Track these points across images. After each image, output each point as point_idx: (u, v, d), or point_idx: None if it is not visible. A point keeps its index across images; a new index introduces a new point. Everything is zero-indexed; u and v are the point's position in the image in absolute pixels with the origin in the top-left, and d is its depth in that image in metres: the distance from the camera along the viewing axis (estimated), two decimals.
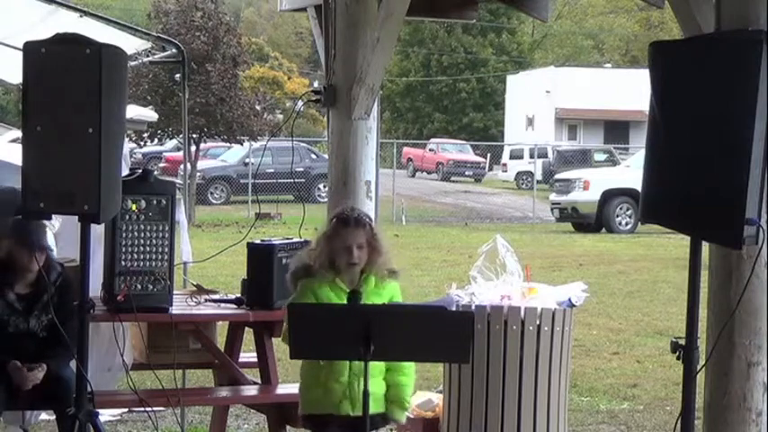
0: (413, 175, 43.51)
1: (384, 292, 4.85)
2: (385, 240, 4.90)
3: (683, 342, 4.08)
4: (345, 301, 4.64)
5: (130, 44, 7.70)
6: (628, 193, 24.12)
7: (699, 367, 4.12)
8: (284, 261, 6.21)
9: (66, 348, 5.64)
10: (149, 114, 17.31)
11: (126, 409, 7.51)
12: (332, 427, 4.81)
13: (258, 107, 30.80)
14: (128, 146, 13.78)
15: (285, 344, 4.60)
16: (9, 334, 5.88)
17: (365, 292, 4.75)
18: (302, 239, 6.40)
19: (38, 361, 5.82)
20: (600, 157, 38.62)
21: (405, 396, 4.91)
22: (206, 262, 7.93)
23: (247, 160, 31.14)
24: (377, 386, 4.78)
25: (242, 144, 29.69)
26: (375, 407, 4.73)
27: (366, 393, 4.26)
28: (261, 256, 6.23)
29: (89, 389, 4.73)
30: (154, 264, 5.96)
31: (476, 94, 57.61)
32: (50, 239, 7.20)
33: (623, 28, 61.89)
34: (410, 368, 4.91)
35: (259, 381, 6.56)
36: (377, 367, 4.74)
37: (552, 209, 27.64)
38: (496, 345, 5.73)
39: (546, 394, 5.77)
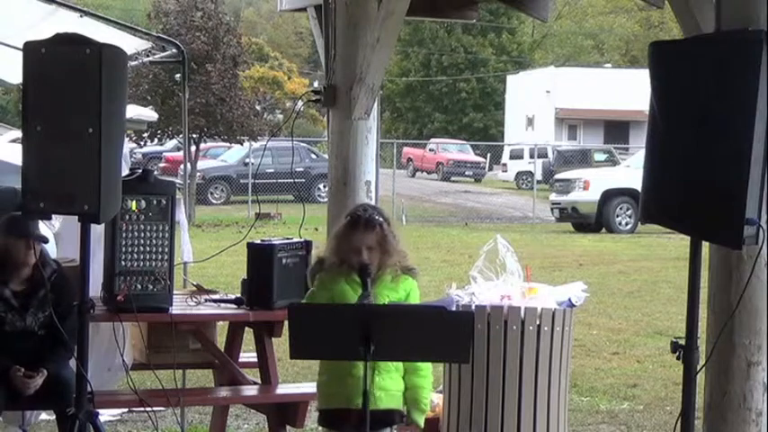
0: (413, 175, 43.51)
1: (399, 288, 4.82)
2: (398, 240, 4.86)
3: (683, 342, 4.08)
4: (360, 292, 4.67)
5: (130, 44, 7.69)
6: (628, 193, 24.11)
7: (699, 367, 4.12)
8: (284, 261, 6.22)
9: (65, 347, 5.64)
10: (149, 114, 17.34)
11: (126, 409, 7.51)
12: (345, 422, 4.77)
13: (258, 107, 30.82)
14: (128, 146, 13.79)
15: None
16: (6, 333, 5.86)
17: (380, 288, 4.75)
18: (302, 239, 6.40)
19: (37, 360, 5.81)
20: (600, 157, 38.61)
21: (421, 398, 4.86)
22: (206, 262, 7.93)
23: (247, 160, 31.14)
24: (391, 382, 4.76)
25: (242, 144, 29.71)
26: (389, 402, 4.74)
27: (366, 393, 4.26)
28: (261, 256, 6.23)
29: (89, 389, 4.74)
30: (154, 264, 5.96)
31: (476, 94, 57.63)
32: (50, 239, 7.20)
33: (623, 28, 61.89)
34: (426, 369, 4.86)
35: (259, 381, 6.56)
36: (392, 363, 4.72)
37: (552, 209, 27.63)
38: (496, 345, 5.73)
39: (546, 394, 5.76)
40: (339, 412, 4.79)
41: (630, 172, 23.67)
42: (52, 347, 5.83)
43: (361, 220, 4.80)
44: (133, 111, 15.09)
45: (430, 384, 4.93)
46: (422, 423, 4.93)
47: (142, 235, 5.94)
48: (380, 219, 4.84)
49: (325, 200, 7.26)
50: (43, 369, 5.78)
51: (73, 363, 5.28)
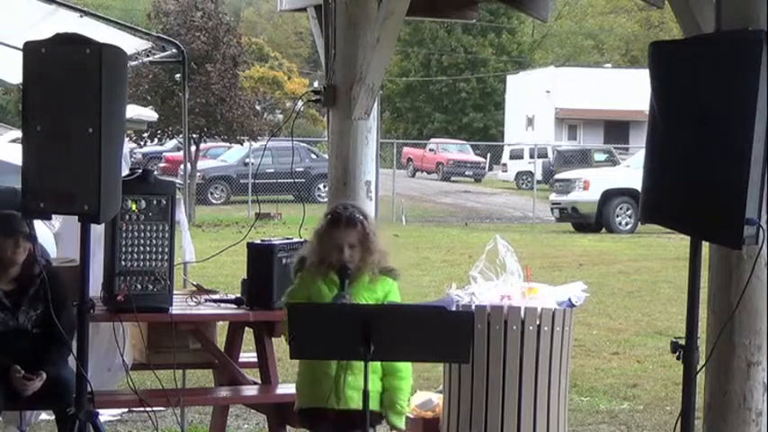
0: (413, 175, 43.52)
1: (377, 288, 4.81)
2: (379, 239, 4.85)
3: (683, 342, 4.08)
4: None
5: (130, 44, 7.70)
6: (628, 193, 24.11)
7: (699, 367, 4.12)
8: (284, 261, 6.21)
9: (62, 345, 5.63)
10: (149, 114, 17.33)
11: (126, 409, 7.51)
12: (322, 421, 4.80)
13: (258, 107, 30.79)
14: (128, 146, 13.78)
15: (286, 340, 4.58)
16: (0, 333, 5.86)
17: (358, 288, 4.75)
18: (302, 239, 6.40)
19: (35, 360, 5.80)
20: (600, 157, 38.63)
21: (399, 400, 4.81)
22: (206, 262, 7.93)
23: (247, 160, 31.15)
24: (370, 383, 4.75)
25: (242, 144, 29.72)
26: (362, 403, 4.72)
27: (366, 393, 4.26)
28: (261, 256, 6.23)
29: (89, 389, 4.73)
30: (154, 264, 5.95)
31: (476, 94, 57.63)
32: (50, 239, 7.20)
33: (623, 28, 61.88)
34: (406, 371, 4.84)
35: (259, 381, 6.56)
36: (371, 364, 4.70)
37: (552, 209, 27.64)
38: (496, 345, 5.73)
39: (546, 394, 5.77)
40: (316, 412, 4.82)
41: (630, 172, 23.67)
42: (50, 347, 5.82)
43: (342, 218, 4.79)
44: (133, 111, 15.08)
45: (409, 387, 4.88)
46: (401, 425, 4.87)
47: (142, 235, 5.94)
48: (361, 216, 4.84)
49: (325, 200, 7.26)
50: (42, 372, 5.77)
51: (73, 363, 5.28)
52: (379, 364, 4.75)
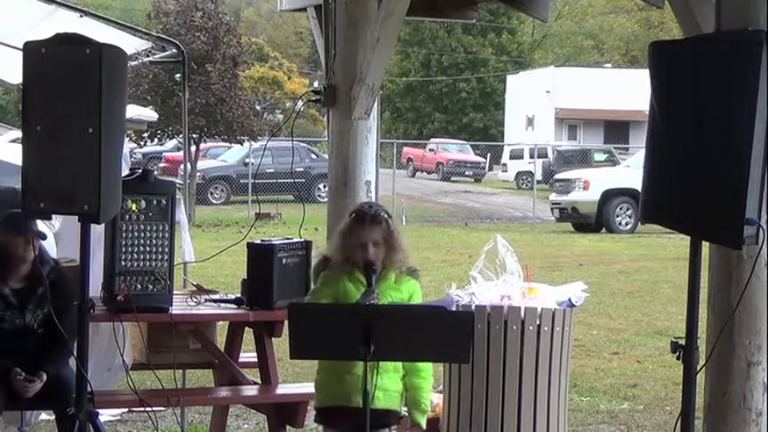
0: (413, 175, 43.51)
1: (403, 288, 4.84)
2: (403, 238, 4.89)
3: (683, 342, 4.08)
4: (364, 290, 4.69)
5: (130, 44, 7.70)
6: (628, 193, 24.12)
7: (699, 367, 4.12)
8: (284, 261, 6.22)
9: (64, 346, 5.63)
10: (149, 114, 17.31)
11: (126, 409, 7.51)
12: (343, 420, 4.79)
13: (258, 107, 30.77)
14: (128, 146, 13.77)
15: None
16: (5, 332, 5.86)
17: (384, 287, 4.77)
18: (302, 239, 6.41)
19: (36, 361, 5.81)
20: (600, 157, 38.62)
21: (422, 399, 4.88)
22: (206, 262, 7.93)
23: (247, 160, 31.15)
24: (389, 382, 4.78)
25: (242, 144, 29.72)
26: (386, 403, 4.76)
27: (366, 392, 4.26)
28: (261, 256, 6.23)
29: (89, 389, 4.73)
30: (154, 264, 5.96)
31: (476, 94, 57.61)
32: (50, 238, 7.19)
33: (623, 28, 61.88)
34: (427, 371, 4.89)
35: (259, 381, 6.56)
36: (392, 363, 4.74)
37: (552, 209, 27.64)
38: (496, 345, 5.72)
39: (546, 394, 5.76)
40: (336, 410, 4.82)
41: (630, 172, 23.66)
42: (51, 346, 5.82)
43: (366, 216, 4.82)
44: (133, 111, 15.06)
45: (430, 386, 4.95)
46: (423, 424, 4.93)
47: (142, 235, 5.94)
48: (385, 215, 4.88)
49: (325, 200, 7.26)
50: (42, 373, 5.77)
51: (73, 363, 5.27)
52: (400, 363, 4.79)
